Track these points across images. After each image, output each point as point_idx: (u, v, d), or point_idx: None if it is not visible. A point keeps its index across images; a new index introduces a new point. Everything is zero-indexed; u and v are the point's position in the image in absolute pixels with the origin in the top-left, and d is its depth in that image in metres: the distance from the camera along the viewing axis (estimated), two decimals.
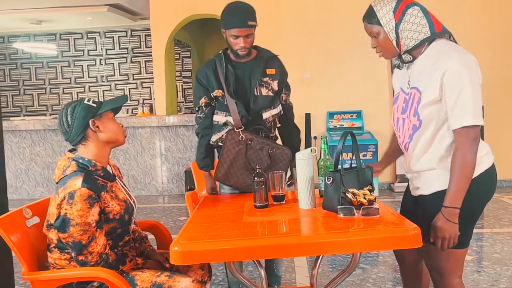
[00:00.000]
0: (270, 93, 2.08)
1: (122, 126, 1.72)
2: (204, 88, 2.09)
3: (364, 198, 1.54)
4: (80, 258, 1.51)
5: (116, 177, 1.74)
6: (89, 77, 8.55)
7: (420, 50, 1.54)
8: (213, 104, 2.10)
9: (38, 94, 8.64)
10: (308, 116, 5.32)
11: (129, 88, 8.47)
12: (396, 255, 1.88)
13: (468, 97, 1.41)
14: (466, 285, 2.61)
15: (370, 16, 1.55)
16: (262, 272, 1.86)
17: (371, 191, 1.58)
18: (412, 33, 1.50)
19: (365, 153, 4.86)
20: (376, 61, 4.82)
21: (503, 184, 5.34)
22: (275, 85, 2.10)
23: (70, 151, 1.69)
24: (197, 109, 2.15)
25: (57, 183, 1.60)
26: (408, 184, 1.78)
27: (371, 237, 1.33)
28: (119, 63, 8.45)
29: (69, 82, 8.59)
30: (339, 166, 1.63)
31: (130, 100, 8.38)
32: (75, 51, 8.51)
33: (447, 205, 1.46)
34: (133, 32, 8.33)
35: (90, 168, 1.59)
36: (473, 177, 1.49)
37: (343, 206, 1.50)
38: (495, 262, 2.98)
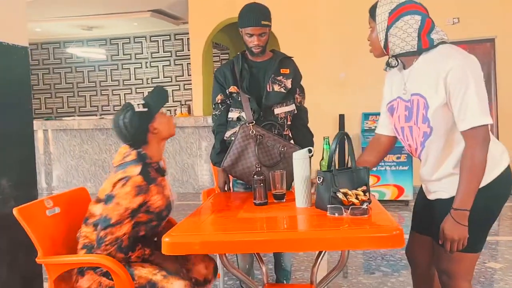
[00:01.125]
0: (283, 90, 2.16)
1: (171, 117, 1.85)
2: (221, 85, 2.21)
3: (357, 198, 1.54)
4: (102, 233, 1.63)
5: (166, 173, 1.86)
6: (135, 79, 9.00)
7: (410, 60, 1.52)
8: (228, 102, 2.22)
9: (90, 95, 9.22)
10: (342, 117, 5.28)
11: (172, 90, 8.81)
12: (408, 257, 1.85)
13: (474, 96, 1.37)
14: None
15: (372, 9, 1.55)
16: (263, 268, 1.92)
17: (365, 192, 1.58)
18: (400, 41, 1.49)
19: (399, 155, 4.72)
20: None
21: None
22: (288, 83, 2.18)
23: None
24: (213, 106, 2.27)
25: (115, 166, 1.75)
26: (422, 188, 1.75)
27: (353, 236, 1.35)
28: (163, 65, 8.83)
29: (117, 84, 9.09)
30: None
31: (173, 101, 8.71)
32: (123, 55, 8.99)
33: (457, 207, 1.42)
34: (176, 36, 8.66)
35: (146, 160, 1.73)
36: (490, 179, 1.45)
37: (332, 205, 1.52)
38: None
